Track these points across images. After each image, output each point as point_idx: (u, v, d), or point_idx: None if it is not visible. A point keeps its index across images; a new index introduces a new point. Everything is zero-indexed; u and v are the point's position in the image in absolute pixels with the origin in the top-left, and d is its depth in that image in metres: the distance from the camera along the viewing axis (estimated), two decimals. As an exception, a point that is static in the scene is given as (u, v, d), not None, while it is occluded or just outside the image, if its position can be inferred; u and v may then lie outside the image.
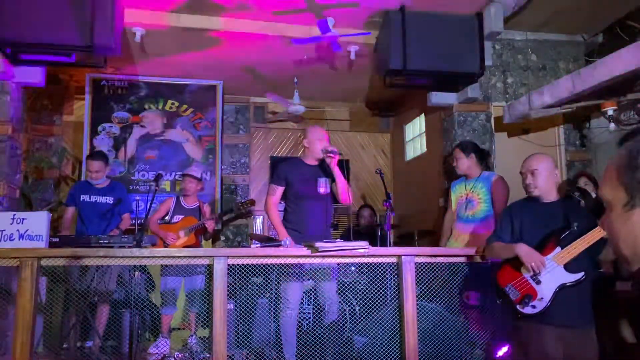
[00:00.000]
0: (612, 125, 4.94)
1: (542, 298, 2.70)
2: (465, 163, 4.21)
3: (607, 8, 5.01)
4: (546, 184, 2.83)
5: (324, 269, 3.70)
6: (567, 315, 2.65)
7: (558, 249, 2.70)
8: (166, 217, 4.93)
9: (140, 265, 4.00)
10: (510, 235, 2.91)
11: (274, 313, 3.97)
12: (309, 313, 4.22)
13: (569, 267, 2.68)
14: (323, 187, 3.81)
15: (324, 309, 3.76)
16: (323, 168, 3.90)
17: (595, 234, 2.59)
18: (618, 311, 3.42)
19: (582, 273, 2.65)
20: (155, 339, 4.63)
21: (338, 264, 3.81)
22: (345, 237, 5.35)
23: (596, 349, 2.67)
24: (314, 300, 4.13)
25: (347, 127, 7.62)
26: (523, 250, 2.73)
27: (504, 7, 4.87)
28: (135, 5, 4.65)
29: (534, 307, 2.72)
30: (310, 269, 3.69)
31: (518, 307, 2.76)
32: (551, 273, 2.70)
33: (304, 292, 4.08)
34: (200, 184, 5.10)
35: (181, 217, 4.86)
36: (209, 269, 3.16)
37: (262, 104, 7.20)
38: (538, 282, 2.73)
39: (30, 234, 3.18)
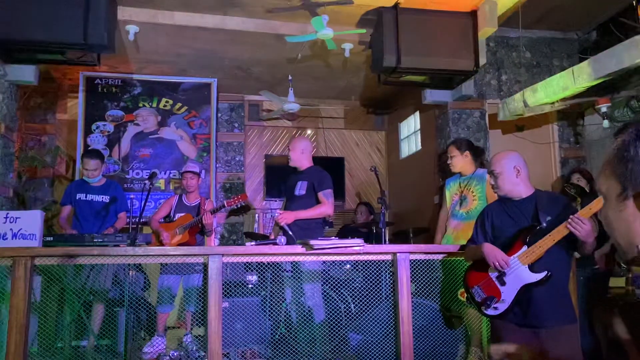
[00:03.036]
0: (606, 122, 4.96)
1: (504, 300, 2.66)
2: (459, 160, 4.21)
3: (600, 5, 5.03)
4: (507, 183, 2.77)
5: (301, 270, 3.70)
6: (535, 315, 2.58)
7: (524, 247, 2.62)
8: (170, 216, 4.93)
9: (135, 264, 3.98)
10: (484, 238, 2.86)
11: (268, 311, 3.96)
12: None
13: (534, 266, 2.60)
14: (297, 189, 4.11)
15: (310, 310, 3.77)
16: (304, 172, 4.18)
17: (561, 231, 2.48)
18: (612, 308, 3.43)
19: (545, 272, 2.56)
20: (150, 338, 4.61)
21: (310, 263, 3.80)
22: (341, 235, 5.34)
23: (576, 348, 2.58)
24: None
25: (342, 124, 7.63)
26: (486, 249, 2.70)
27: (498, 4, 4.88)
28: (129, 3, 4.63)
29: (496, 308, 2.69)
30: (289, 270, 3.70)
31: (482, 308, 2.74)
32: (515, 273, 2.63)
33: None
34: (199, 178, 5.10)
35: (182, 214, 4.86)
36: (206, 267, 3.15)
37: (257, 102, 7.19)
38: (503, 284, 2.68)
39: (23, 232, 3.16)
